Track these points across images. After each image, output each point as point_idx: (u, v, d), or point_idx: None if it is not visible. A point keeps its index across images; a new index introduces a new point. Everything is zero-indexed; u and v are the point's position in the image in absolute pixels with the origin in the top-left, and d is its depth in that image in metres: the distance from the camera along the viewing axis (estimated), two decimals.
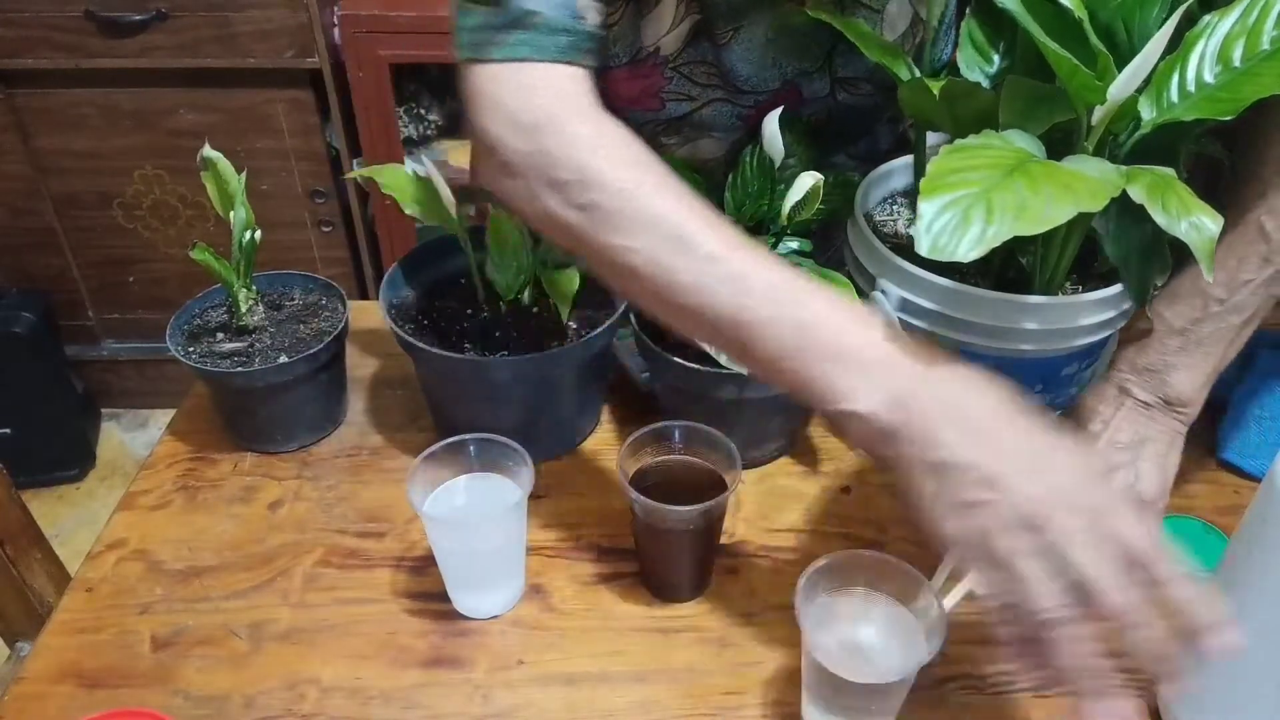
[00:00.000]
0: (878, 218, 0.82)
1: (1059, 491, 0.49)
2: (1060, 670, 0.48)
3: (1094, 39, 0.60)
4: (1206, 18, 0.62)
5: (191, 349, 0.82)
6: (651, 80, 0.82)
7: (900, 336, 0.54)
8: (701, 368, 0.76)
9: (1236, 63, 0.61)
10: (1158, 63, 0.60)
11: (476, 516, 0.70)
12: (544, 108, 0.62)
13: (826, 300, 0.55)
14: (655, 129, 0.87)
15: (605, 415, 0.88)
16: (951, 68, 0.76)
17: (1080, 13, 0.60)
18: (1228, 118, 0.59)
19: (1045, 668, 0.49)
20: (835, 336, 0.54)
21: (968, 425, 0.51)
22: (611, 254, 0.59)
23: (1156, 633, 0.47)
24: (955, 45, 0.75)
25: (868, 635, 0.63)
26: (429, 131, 1.89)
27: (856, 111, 0.87)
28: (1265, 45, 0.60)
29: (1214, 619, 0.47)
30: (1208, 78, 0.62)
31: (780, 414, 0.81)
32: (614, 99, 0.83)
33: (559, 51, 0.64)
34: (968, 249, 0.53)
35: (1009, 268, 0.75)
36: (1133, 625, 0.47)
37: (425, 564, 0.75)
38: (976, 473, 0.50)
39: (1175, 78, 0.63)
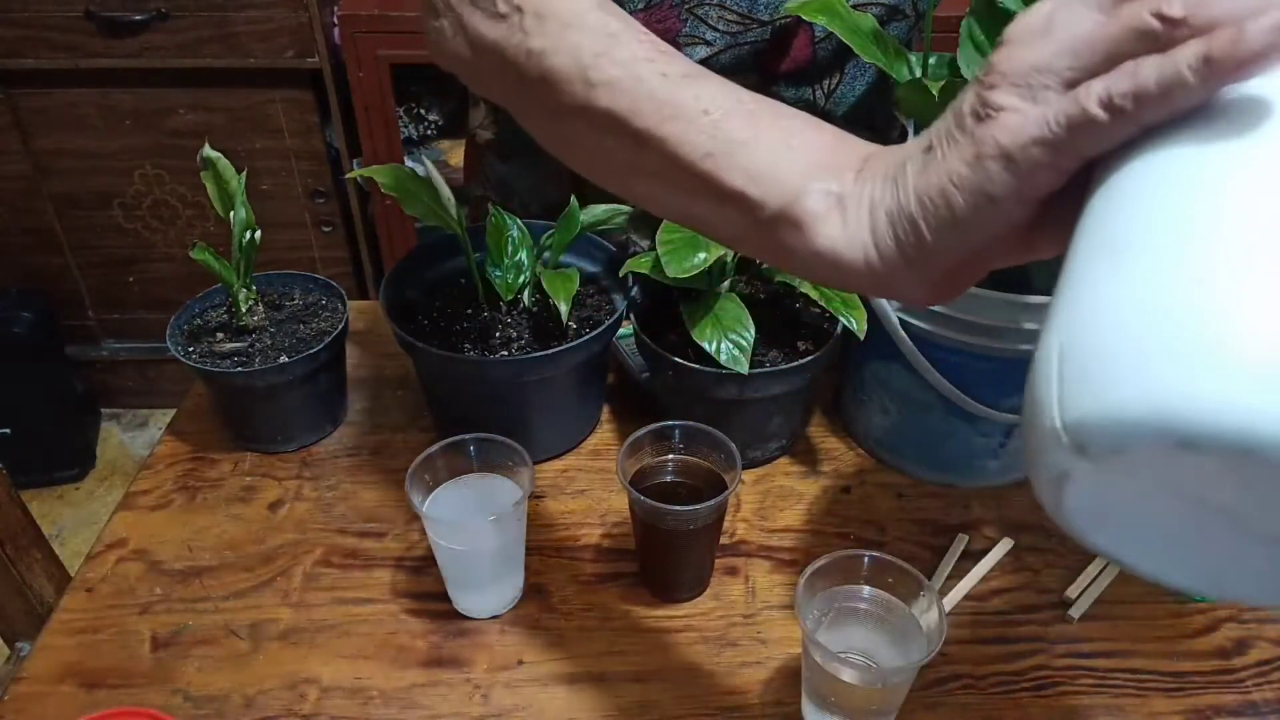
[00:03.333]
0: None
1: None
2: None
3: None
4: None
5: (191, 349, 0.82)
6: (667, 25, 0.81)
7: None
8: (701, 367, 0.76)
9: None
10: None
11: (476, 516, 0.70)
12: None
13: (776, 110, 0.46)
14: None
15: (605, 415, 0.88)
16: (951, 66, 0.76)
17: None
18: None
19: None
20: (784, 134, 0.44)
21: None
22: (537, 63, 0.51)
23: None
24: None
25: (868, 635, 0.63)
26: (429, 131, 1.89)
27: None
28: None
29: None
30: None
31: (780, 414, 0.81)
32: None
33: None
34: None
35: (1009, 268, 0.75)
36: None
37: (425, 564, 0.75)
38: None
39: None
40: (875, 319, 0.74)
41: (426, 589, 0.74)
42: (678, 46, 0.81)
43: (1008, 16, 0.63)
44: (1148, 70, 0.32)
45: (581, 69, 0.49)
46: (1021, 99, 0.35)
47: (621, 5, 0.79)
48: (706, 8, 0.80)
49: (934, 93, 0.66)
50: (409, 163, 1.82)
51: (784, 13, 0.82)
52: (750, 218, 0.44)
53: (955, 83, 0.66)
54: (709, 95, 0.46)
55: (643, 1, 0.80)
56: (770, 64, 0.85)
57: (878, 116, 0.92)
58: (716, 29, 0.81)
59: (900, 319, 0.73)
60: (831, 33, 0.84)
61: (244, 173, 0.81)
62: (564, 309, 0.77)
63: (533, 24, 0.51)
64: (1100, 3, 0.34)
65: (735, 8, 0.81)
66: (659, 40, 0.50)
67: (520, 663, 0.69)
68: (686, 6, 0.81)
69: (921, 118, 0.75)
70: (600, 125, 0.49)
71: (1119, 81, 0.32)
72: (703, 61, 0.83)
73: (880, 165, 0.41)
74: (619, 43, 0.49)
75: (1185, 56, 0.31)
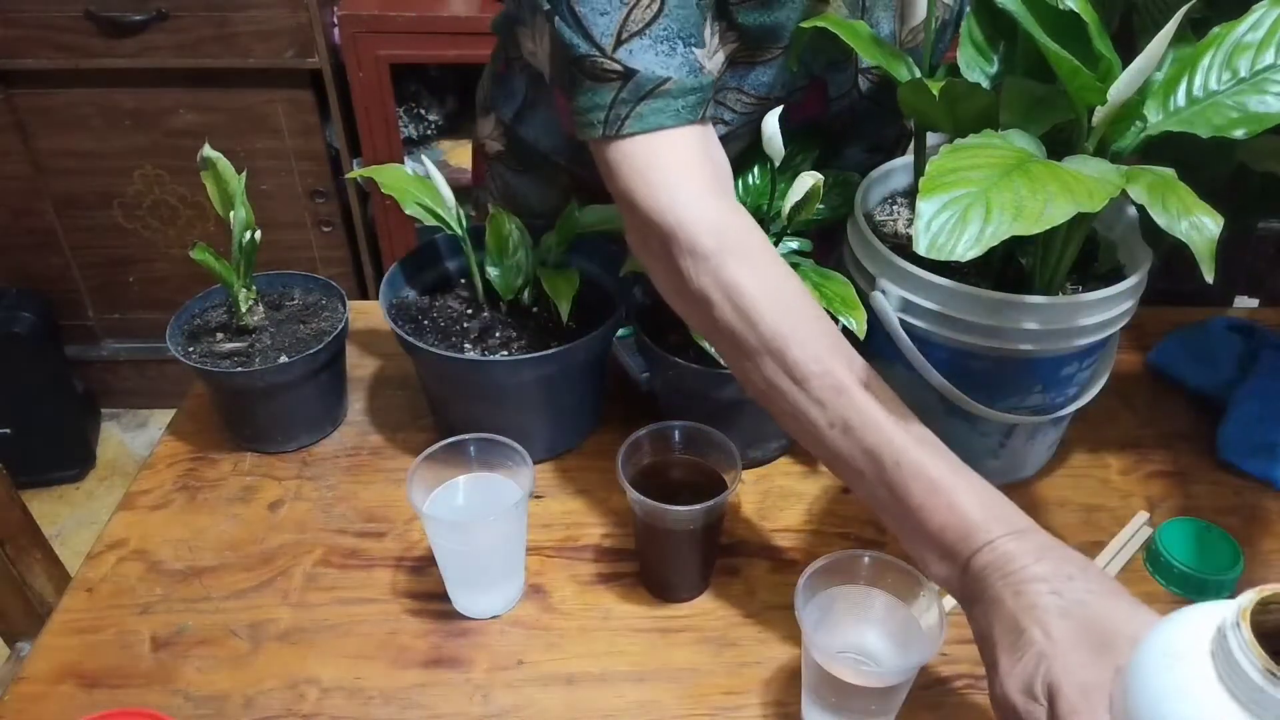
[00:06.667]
0: (878, 218, 0.82)
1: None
2: None
3: (1097, 42, 0.60)
4: (1217, 29, 0.62)
5: (191, 349, 0.82)
6: None
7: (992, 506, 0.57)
8: (701, 368, 0.76)
9: (1244, 73, 0.61)
10: (1160, 66, 0.60)
11: (476, 516, 0.70)
12: (672, 210, 0.64)
13: (930, 474, 0.58)
14: None
15: (605, 415, 0.88)
16: (951, 68, 0.76)
17: (1088, 15, 0.60)
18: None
19: None
20: (927, 519, 0.58)
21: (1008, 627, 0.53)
22: (756, 388, 0.64)
23: None
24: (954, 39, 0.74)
25: (868, 635, 0.63)
26: (429, 131, 1.89)
27: (877, 99, 0.86)
28: (1270, 58, 0.61)
29: None
30: (1214, 86, 0.62)
31: None
32: None
33: (690, 111, 0.66)
34: (966, 248, 0.53)
35: (1009, 268, 0.75)
36: None
37: (425, 564, 0.75)
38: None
39: (1183, 84, 0.63)
40: (875, 319, 0.74)
41: (426, 589, 0.74)
42: None
43: (1007, 17, 0.63)
44: None
45: (782, 414, 0.63)
46: None
47: None
48: (725, 92, 0.80)
49: (934, 93, 0.66)
50: (409, 163, 1.82)
51: (791, 84, 0.82)
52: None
53: (955, 83, 0.66)
54: (867, 461, 0.59)
55: None
56: (786, 122, 0.85)
57: (884, 138, 0.93)
58: (734, 110, 0.81)
59: (900, 319, 0.73)
60: (845, 93, 0.84)
61: (244, 173, 0.81)
62: (564, 309, 0.77)
63: (763, 363, 0.62)
64: None
65: (753, 92, 0.81)
66: (854, 377, 0.61)
67: (520, 663, 0.69)
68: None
69: (922, 117, 0.75)
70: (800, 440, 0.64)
71: None
72: (721, 138, 0.83)
73: (985, 588, 0.54)
74: (819, 400, 0.61)
75: None
